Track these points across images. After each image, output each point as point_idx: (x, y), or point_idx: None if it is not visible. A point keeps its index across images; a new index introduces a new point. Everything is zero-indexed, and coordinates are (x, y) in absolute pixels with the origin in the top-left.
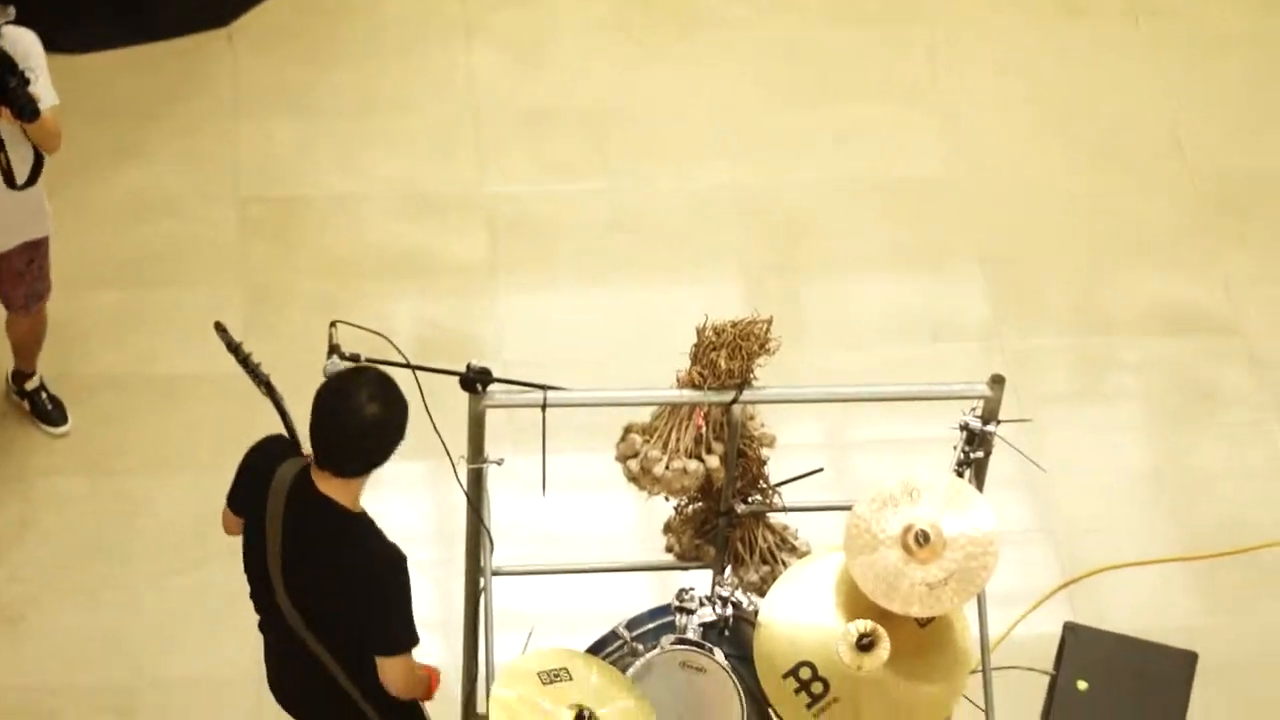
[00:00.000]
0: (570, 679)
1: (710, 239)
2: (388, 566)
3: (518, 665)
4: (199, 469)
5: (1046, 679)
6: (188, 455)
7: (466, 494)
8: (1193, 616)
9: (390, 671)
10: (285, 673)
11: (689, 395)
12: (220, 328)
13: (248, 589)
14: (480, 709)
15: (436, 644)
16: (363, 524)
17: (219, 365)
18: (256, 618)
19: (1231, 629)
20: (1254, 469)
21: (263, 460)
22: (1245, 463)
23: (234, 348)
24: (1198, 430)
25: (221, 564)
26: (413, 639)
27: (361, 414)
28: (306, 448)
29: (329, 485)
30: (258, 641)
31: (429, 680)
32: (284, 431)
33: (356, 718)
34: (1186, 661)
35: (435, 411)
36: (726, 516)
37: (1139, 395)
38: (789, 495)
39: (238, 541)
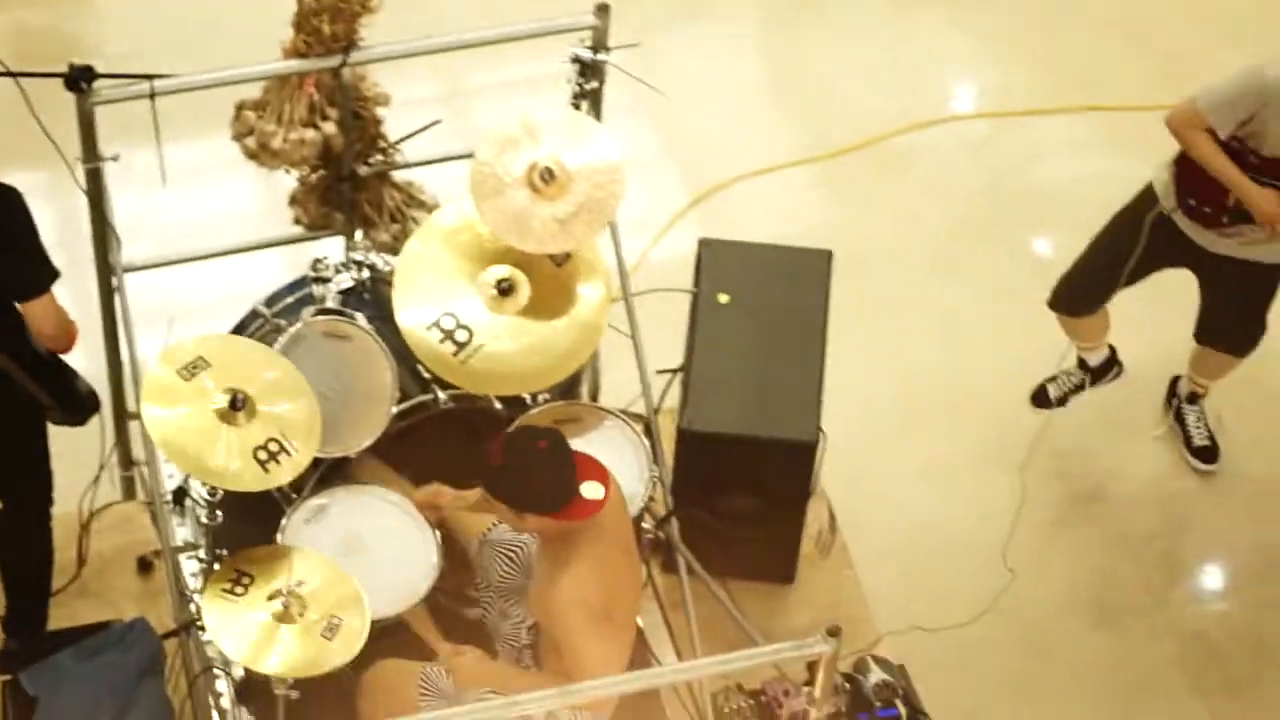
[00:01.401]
0: (209, 365)
1: None
2: (4, 206)
3: (162, 357)
4: None
5: (688, 297)
6: None
7: (87, 194)
8: (824, 215)
9: (39, 314)
10: None
11: (296, 65)
12: None
13: None
14: (131, 407)
15: (77, 350)
16: None
17: None
18: None
19: (862, 221)
20: (869, 63)
21: None
22: (860, 58)
23: None
24: (809, 32)
25: None
26: (53, 272)
27: None
28: None
29: None
30: None
31: (73, 324)
32: None
33: (7, 391)
34: (822, 260)
35: (46, 118)
36: (350, 181)
37: (746, 5)
38: (410, 151)
39: None
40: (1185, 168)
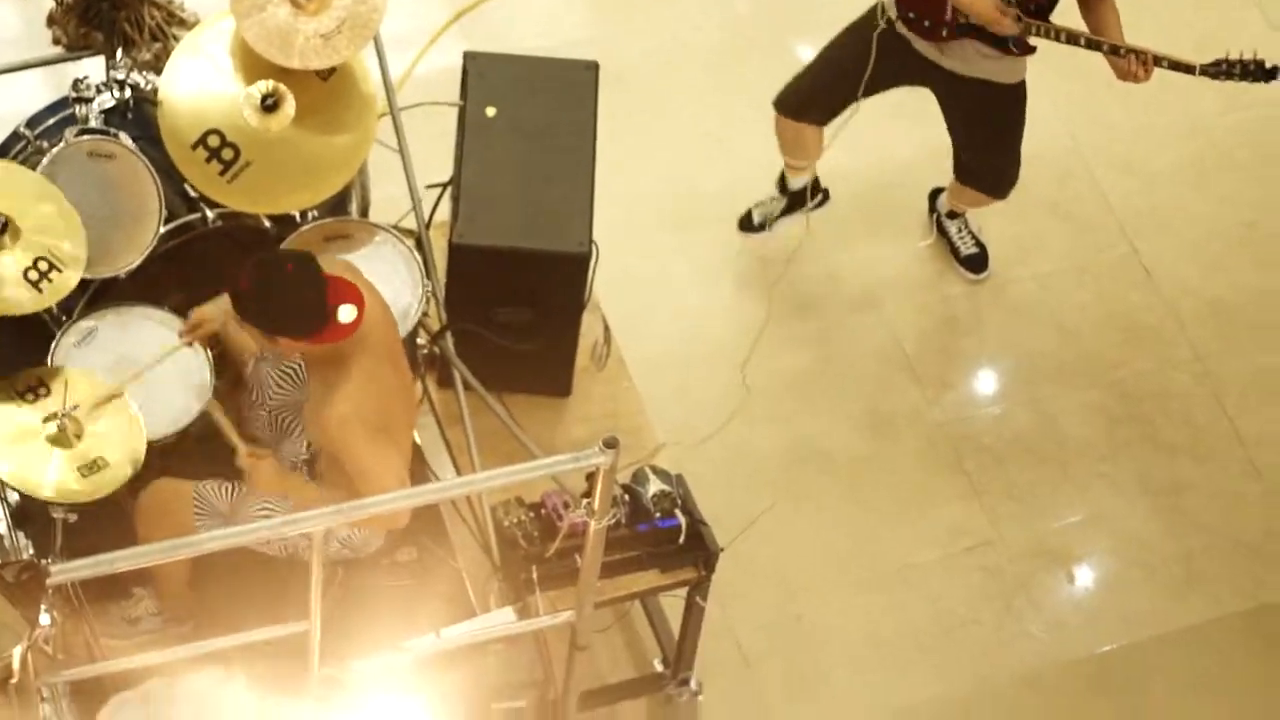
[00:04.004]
0: None
1: None
2: None
3: None
4: None
5: (456, 111)
6: None
7: None
8: (589, 29)
9: None
10: None
11: None
12: None
13: None
14: None
15: None
16: None
17: None
18: None
19: (628, 34)
20: None
21: None
22: None
23: None
24: None
25: None
26: None
27: None
28: None
29: None
30: None
31: None
32: None
33: None
34: (589, 72)
35: None
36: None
37: None
38: None
39: None
40: None
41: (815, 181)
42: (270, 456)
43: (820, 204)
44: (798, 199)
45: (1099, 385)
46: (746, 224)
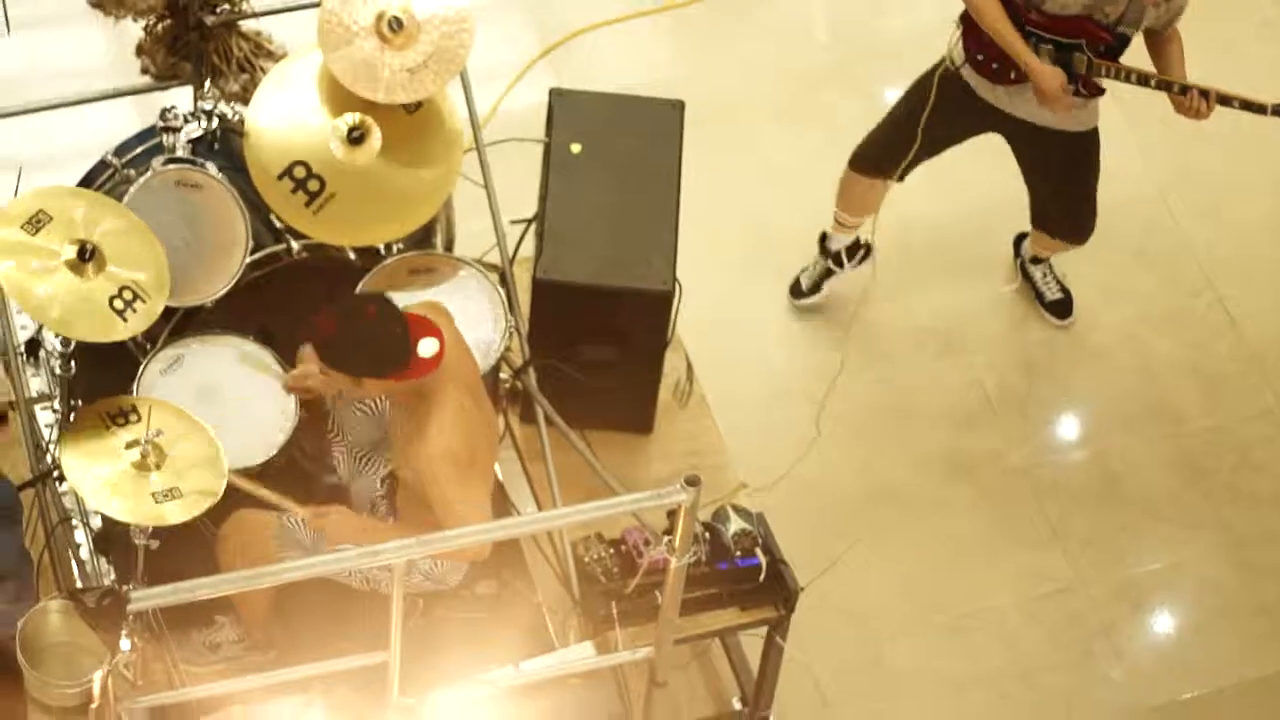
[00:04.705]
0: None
1: None
2: None
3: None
4: None
5: (541, 147)
6: None
7: None
8: (674, 67)
9: None
10: None
11: None
12: None
13: None
14: None
15: None
16: None
17: None
18: None
19: (712, 72)
20: None
21: None
22: None
23: None
24: None
25: None
26: None
27: None
28: None
29: None
30: None
31: None
32: None
33: None
34: (674, 110)
35: None
36: (197, 30)
37: None
38: (258, 0)
39: None
40: (973, 20)
41: (857, 239)
42: (337, 510)
43: (863, 259)
44: (841, 259)
45: (1182, 433)
46: (796, 292)
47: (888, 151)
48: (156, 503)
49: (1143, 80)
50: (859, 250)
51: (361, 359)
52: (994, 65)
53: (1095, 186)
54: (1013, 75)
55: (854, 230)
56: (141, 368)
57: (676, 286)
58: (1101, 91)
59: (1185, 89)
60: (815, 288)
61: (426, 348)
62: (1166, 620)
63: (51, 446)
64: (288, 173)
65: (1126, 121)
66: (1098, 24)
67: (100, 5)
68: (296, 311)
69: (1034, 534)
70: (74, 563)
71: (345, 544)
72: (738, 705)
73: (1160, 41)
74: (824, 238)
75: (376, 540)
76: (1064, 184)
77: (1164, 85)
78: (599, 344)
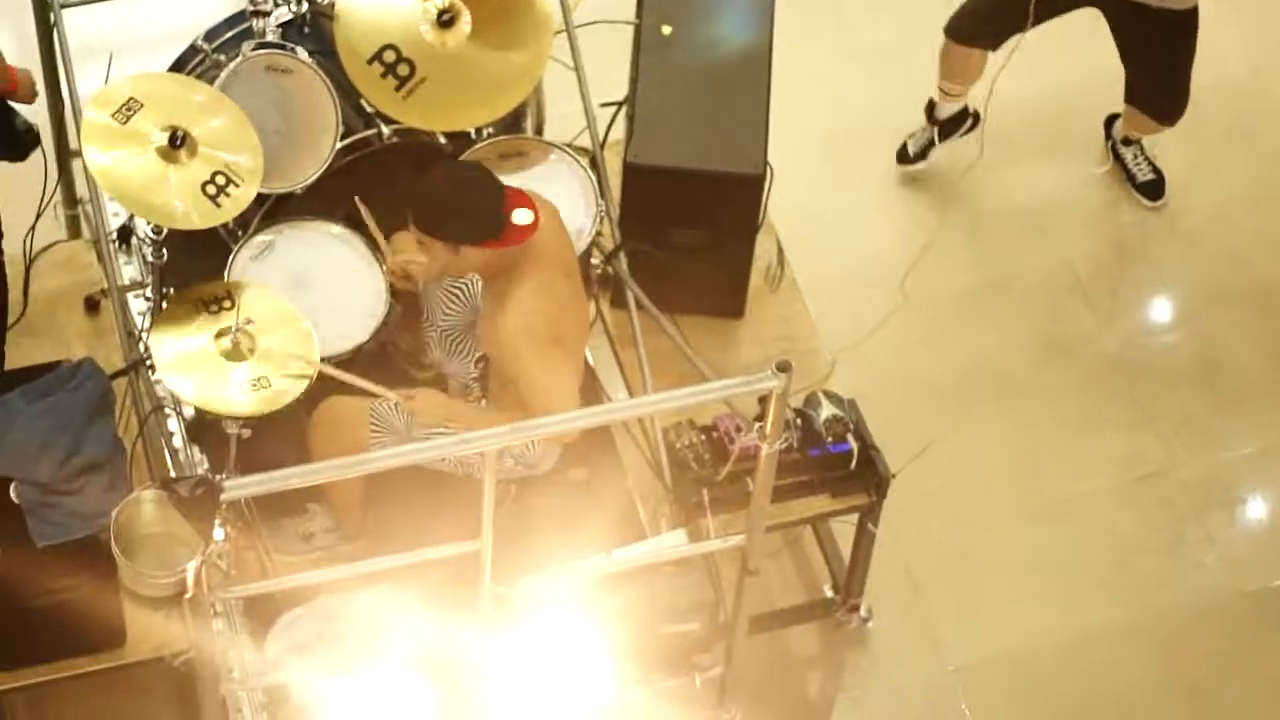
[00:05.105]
0: (143, 105)
1: None
2: None
3: (95, 100)
4: None
5: (631, 29)
6: None
7: None
8: None
9: None
10: None
11: None
12: None
13: None
14: (73, 145)
15: None
16: None
17: None
18: None
19: None
20: None
21: None
22: None
23: None
24: None
25: None
26: None
27: None
28: None
29: None
30: None
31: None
32: None
33: None
34: None
35: None
36: None
37: None
38: None
39: None
40: None
41: (965, 107)
42: (425, 393)
43: (970, 129)
44: (948, 127)
45: (1274, 315)
46: (903, 157)
47: (984, 22)
48: (248, 391)
49: None
50: (966, 119)
51: (459, 222)
52: None
53: (1190, 66)
54: None
55: (958, 99)
56: (233, 255)
57: (768, 169)
58: None
59: None
60: (921, 154)
61: (521, 216)
62: (1259, 506)
63: (144, 334)
64: (378, 57)
65: (1223, 5)
66: None
67: None
68: (386, 197)
69: (1126, 416)
70: (167, 452)
71: (434, 426)
72: (829, 592)
73: None
74: (931, 105)
75: (464, 421)
76: (1160, 61)
77: None
78: (690, 228)
